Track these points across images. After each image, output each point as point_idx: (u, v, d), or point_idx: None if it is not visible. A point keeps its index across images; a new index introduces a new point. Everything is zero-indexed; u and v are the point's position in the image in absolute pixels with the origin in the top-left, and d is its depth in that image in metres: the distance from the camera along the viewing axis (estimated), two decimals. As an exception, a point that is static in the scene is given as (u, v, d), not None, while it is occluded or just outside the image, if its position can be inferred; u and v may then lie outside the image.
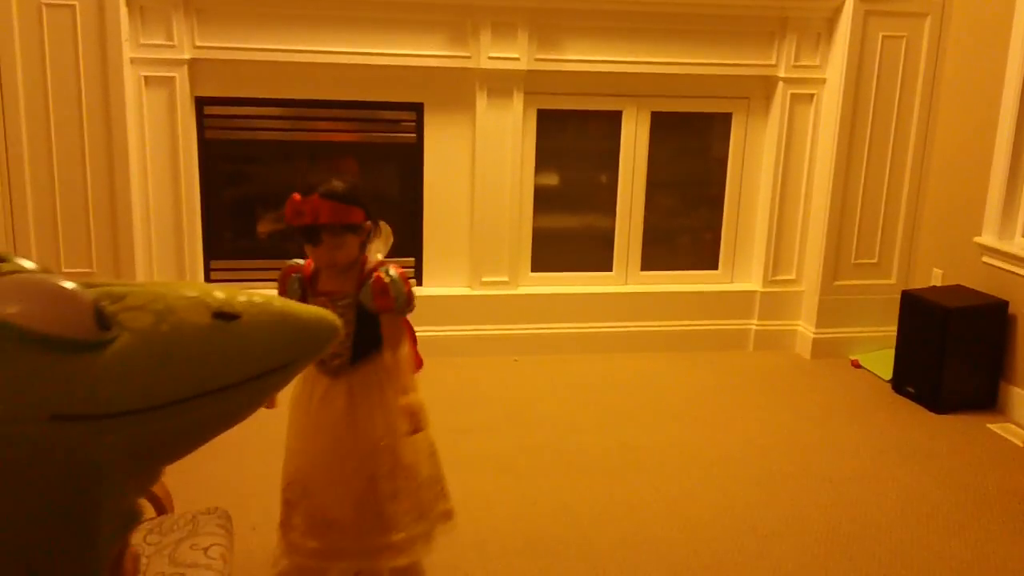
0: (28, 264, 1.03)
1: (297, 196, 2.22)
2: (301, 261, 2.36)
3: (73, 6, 3.72)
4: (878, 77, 4.32)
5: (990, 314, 3.96)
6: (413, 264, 4.43)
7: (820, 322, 4.54)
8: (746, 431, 3.73)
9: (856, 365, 4.48)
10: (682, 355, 4.53)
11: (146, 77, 3.95)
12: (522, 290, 4.48)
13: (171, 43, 3.93)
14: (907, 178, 4.46)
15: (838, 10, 4.28)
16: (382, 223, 2.33)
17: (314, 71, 4.12)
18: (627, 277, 4.63)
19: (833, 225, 4.44)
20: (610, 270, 4.62)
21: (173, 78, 3.98)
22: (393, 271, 2.25)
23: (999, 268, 4.01)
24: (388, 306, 2.23)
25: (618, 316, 4.54)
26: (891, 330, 4.27)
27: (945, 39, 4.31)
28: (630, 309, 4.55)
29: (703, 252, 4.74)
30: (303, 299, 2.29)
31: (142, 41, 3.91)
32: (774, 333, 4.67)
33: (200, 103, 4.13)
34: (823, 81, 4.42)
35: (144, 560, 1.86)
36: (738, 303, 4.65)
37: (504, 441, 3.55)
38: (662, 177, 4.58)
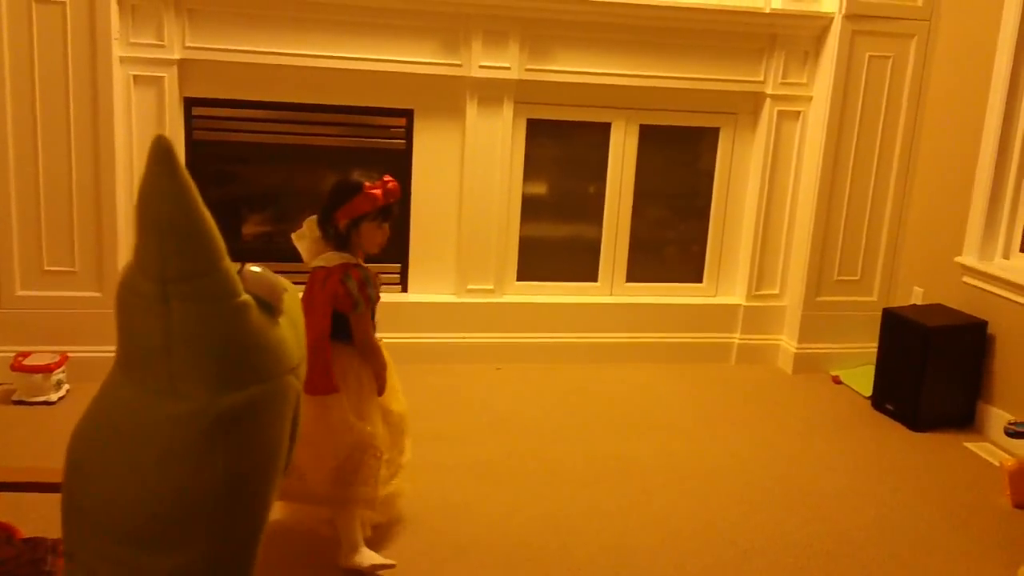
0: (255, 267, 1.39)
1: (389, 178, 2.65)
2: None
3: (63, 3, 3.68)
4: (864, 96, 4.36)
5: (969, 334, 4.01)
6: (399, 270, 4.43)
7: (802, 337, 4.58)
8: (727, 444, 3.75)
9: (837, 381, 4.51)
10: (665, 367, 4.55)
11: (135, 76, 3.93)
12: (507, 298, 4.48)
13: (161, 43, 3.91)
14: (890, 196, 4.51)
15: (826, 29, 4.33)
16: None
17: (304, 75, 4.11)
18: (612, 288, 4.65)
19: (817, 241, 4.48)
20: (595, 280, 4.64)
21: (162, 78, 3.96)
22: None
23: (979, 288, 4.05)
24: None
25: (602, 327, 4.56)
26: (872, 347, 4.30)
27: (931, 60, 4.37)
28: (614, 320, 4.57)
29: (688, 265, 4.77)
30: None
31: (132, 40, 3.88)
32: (757, 347, 4.70)
33: (189, 103, 4.11)
34: (810, 99, 4.46)
35: None
36: (722, 316, 4.67)
37: (486, 449, 3.55)
38: (649, 189, 4.60)
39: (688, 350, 4.64)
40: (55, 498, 1.42)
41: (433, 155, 4.33)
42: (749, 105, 4.55)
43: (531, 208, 4.51)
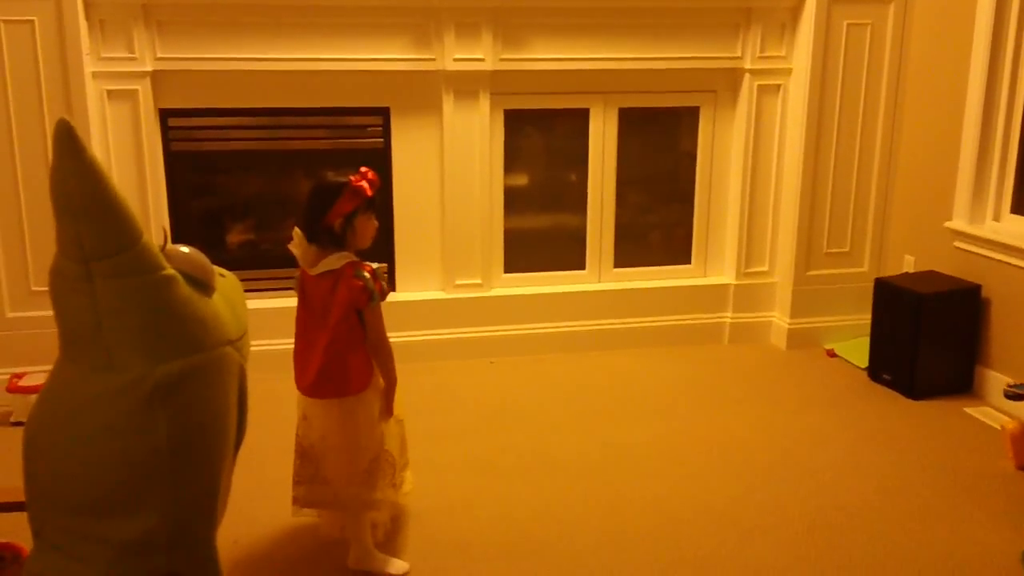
0: (184, 248, 1.47)
1: (366, 169, 2.62)
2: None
3: (32, 21, 3.66)
4: (844, 65, 4.33)
5: (963, 299, 3.98)
6: (386, 270, 4.39)
7: (794, 313, 4.55)
8: (724, 424, 3.72)
9: (831, 354, 4.49)
10: (658, 351, 4.52)
11: (108, 91, 3.90)
12: (496, 292, 4.46)
13: (132, 55, 3.88)
14: (876, 165, 4.48)
15: (802, 0, 4.29)
16: None
17: (278, 79, 4.08)
18: (600, 275, 4.62)
19: (804, 215, 4.45)
20: (583, 268, 4.61)
21: (136, 91, 3.93)
22: None
23: (971, 252, 4.03)
24: None
25: (592, 314, 4.53)
26: (865, 318, 4.28)
27: (910, 25, 4.33)
28: (604, 307, 4.54)
29: (675, 247, 4.74)
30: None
31: (103, 55, 3.86)
32: (749, 325, 4.67)
33: (164, 115, 4.08)
34: (789, 71, 4.42)
35: None
36: (712, 297, 4.65)
37: (483, 443, 3.53)
38: (632, 173, 4.57)
39: (680, 332, 4.61)
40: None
41: (412, 152, 4.30)
42: (728, 82, 4.51)
43: (514, 200, 4.48)
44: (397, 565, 2.71)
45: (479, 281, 4.41)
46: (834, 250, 4.55)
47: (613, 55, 4.27)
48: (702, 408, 3.89)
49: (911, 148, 4.41)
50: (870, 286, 4.23)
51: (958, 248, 4.09)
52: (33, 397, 3.60)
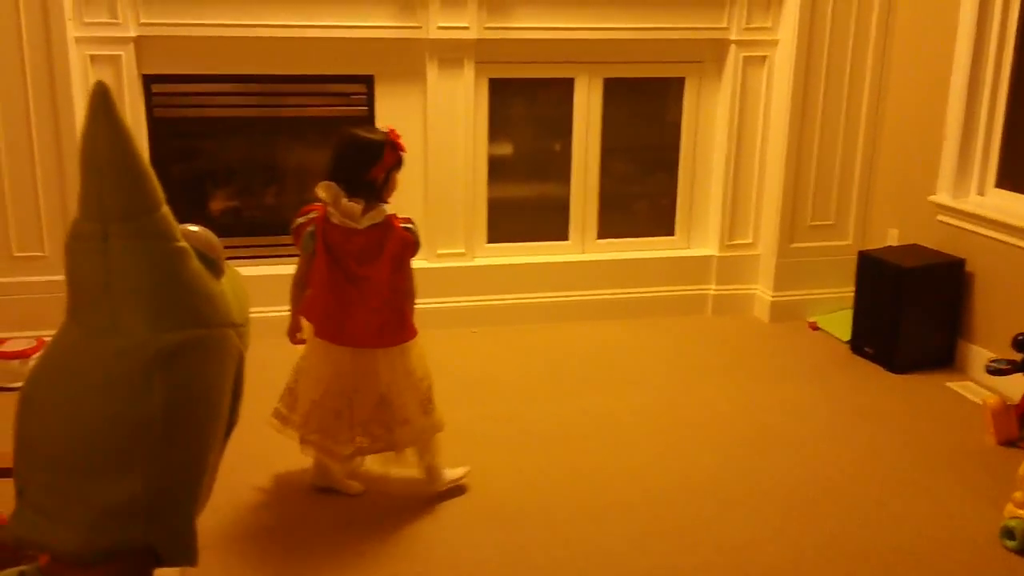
0: (192, 227, 1.48)
1: (390, 128, 2.79)
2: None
3: (14, -14, 3.62)
4: (830, 37, 4.30)
5: (946, 272, 3.99)
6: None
7: (778, 285, 4.55)
8: (706, 396, 3.73)
9: (814, 327, 4.50)
10: (641, 322, 4.53)
11: (92, 56, 3.87)
12: (478, 261, 4.44)
13: (116, 20, 3.85)
14: (861, 138, 4.47)
15: (789, -30, 4.26)
16: None
17: (262, 46, 4.04)
18: (584, 246, 4.61)
19: (788, 187, 4.44)
20: (566, 239, 4.60)
21: (119, 56, 3.89)
22: None
23: (954, 226, 4.02)
24: None
25: (575, 285, 4.52)
26: (848, 291, 4.28)
27: (897, -4, 4.31)
28: (587, 277, 4.54)
29: (659, 218, 4.72)
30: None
31: (86, 19, 3.82)
32: (732, 297, 4.67)
33: (148, 81, 4.05)
34: (775, 43, 4.39)
35: None
36: (696, 268, 4.64)
37: (464, 412, 3.52)
38: (617, 144, 4.55)
39: (663, 304, 4.61)
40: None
41: (395, 120, 4.18)
42: (714, 53, 4.48)
43: (498, 169, 4.45)
44: (459, 471, 2.96)
45: (462, 251, 4.39)
46: (818, 223, 4.54)
47: (598, 24, 4.23)
48: (683, 380, 3.90)
49: (896, 121, 4.39)
50: (854, 259, 4.22)
51: (942, 222, 4.09)
52: (16, 363, 3.66)
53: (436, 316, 4.36)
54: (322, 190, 2.69)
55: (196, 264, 1.43)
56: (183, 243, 1.43)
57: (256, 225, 4.36)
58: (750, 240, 4.64)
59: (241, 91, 4.17)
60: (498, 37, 4.16)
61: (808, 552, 2.68)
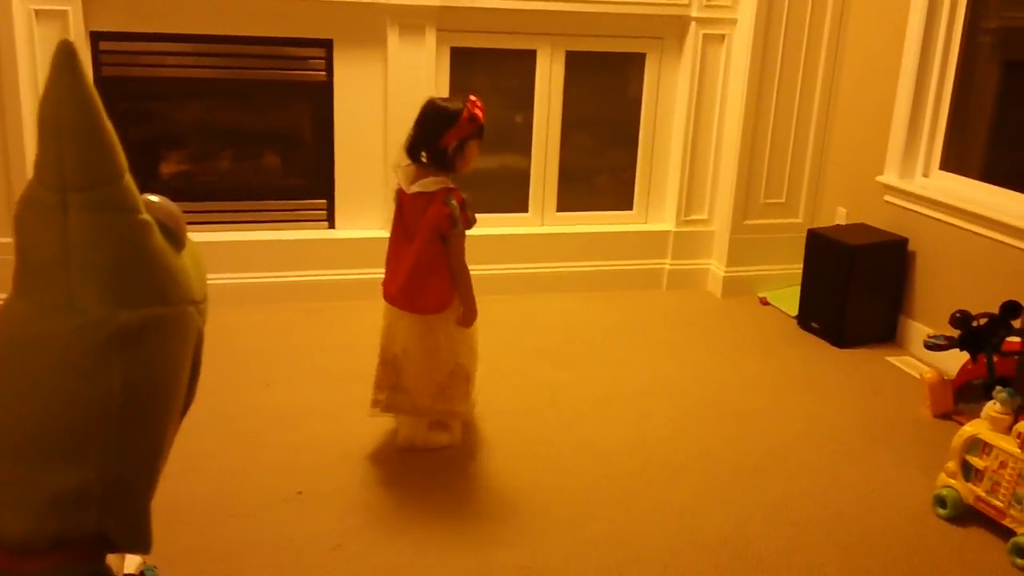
0: (153, 197, 1.39)
1: (473, 97, 2.78)
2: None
3: (-48, -66, 3.50)
4: (787, 19, 4.36)
5: (891, 251, 4.09)
6: (325, 206, 4.35)
7: (731, 261, 4.63)
8: (657, 368, 3.80)
9: (764, 302, 4.59)
10: (597, 295, 4.58)
11: (36, 11, 3.73)
12: (437, 232, 4.43)
13: (62, -27, 3.74)
14: (814, 118, 4.55)
15: (750, -51, 4.30)
16: None
17: (217, 4, 3.96)
18: (543, 218, 4.64)
19: (743, 165, 4.51)
20: (526, 211, 4.62)
21: (66, 12, 3.76)
22: None
23: (900, 207, 4.13)
24: None
25: (533, 257, 4.55)
26: (798, 268, 4.37)
27: (852, -19, 4.38)
28: (546, 250, 4.56)
29: (618, 193, 4.76)
30: None
31: (31, -28, 3.70)
32: (687, 272, 4.74)
33: (96, 38, 3.94)
34: (734, 22, 4.44)
35: None
36: (652, 243, 4.70)
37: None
38: (578, 118, 4.57)
39: (619, 277, 4.66)
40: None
41: (355, 87, 4.23)
42: (674, 29, 4.51)
43: (458, 139, 4.44)
44: (444, 438, 3.03)
45: (420, 220, 4.38)
46: (771, 201, 4.62)
47: (561, -4, 4.23)
48: (637, 352, 3.96)
49: (848, 102, 4.48)
50: (803, 236, 4.31)
51: (888, 202, 4.19)
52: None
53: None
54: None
55: (159, 238, 1.35)
56: (146, 215, 1.33)
57: (210, 190, 4.29)
58: (705, 216, 4.71)
59: (195, 51, 4.07)
60: (460, 5, 4.13)
61: (755, 517, 2.76)
